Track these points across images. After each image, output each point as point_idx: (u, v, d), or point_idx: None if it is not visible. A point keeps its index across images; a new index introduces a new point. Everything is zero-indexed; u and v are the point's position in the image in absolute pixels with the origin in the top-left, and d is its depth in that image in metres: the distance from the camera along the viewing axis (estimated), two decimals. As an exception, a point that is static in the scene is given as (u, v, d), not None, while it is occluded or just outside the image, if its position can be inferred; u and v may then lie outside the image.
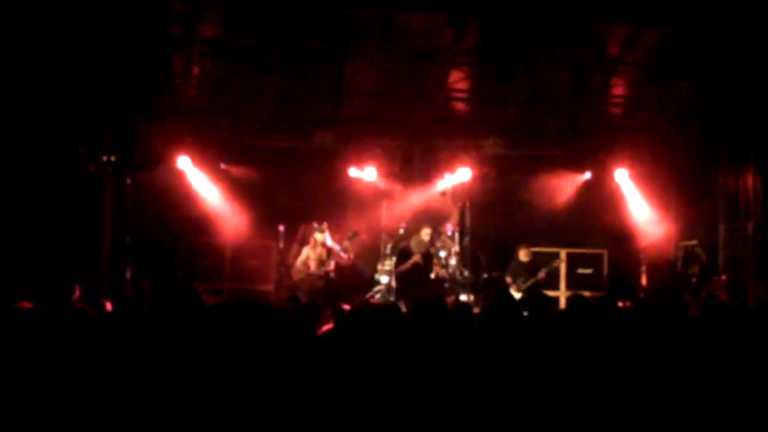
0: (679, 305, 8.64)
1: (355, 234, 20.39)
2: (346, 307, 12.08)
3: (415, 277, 19.87)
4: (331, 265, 19.83)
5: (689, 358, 7.46)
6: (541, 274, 20.12)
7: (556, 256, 21.00)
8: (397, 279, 19.97)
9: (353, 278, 20.67)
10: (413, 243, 20.14)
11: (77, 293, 12.87)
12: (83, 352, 6.24)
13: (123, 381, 5.87)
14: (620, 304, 16.56)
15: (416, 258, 19.81)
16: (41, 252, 16.84)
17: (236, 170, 21.34)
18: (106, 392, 5.78)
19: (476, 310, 9.82)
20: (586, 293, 19.90)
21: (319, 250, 19.77)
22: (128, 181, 18.96)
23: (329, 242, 19.90)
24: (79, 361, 6.09)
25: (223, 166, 21.14)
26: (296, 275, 19.85)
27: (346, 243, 20.12)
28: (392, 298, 19.44)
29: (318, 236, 19.78)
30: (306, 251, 19.87)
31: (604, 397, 6.90)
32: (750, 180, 19.74)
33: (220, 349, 6.51)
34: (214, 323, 6.71)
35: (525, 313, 9.00)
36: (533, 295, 12.28)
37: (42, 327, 6.49)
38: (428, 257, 20.08)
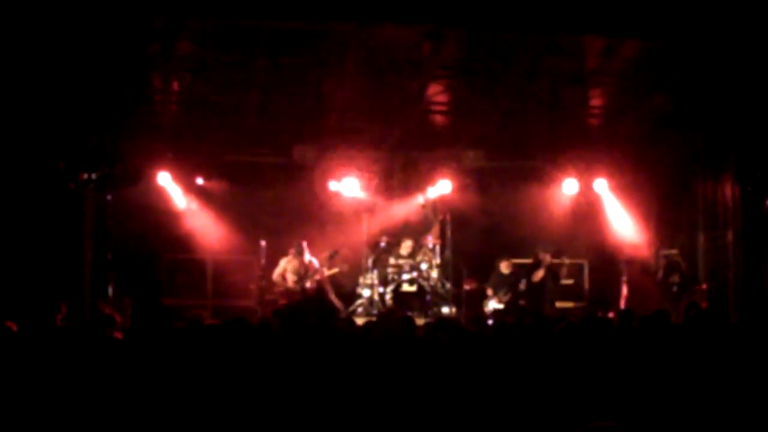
0: (662, 317, 8.72)
1: (336, 253, 20.40)
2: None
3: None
4: (308, 279, 19.81)
5: (674, 366, 7.52)
6: (522, 286, 20.14)
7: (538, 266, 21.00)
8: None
9: (332, 292, 20.67)
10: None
11: (63, 312, 12.80)
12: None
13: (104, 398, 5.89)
14: (600, 314, 16.74)
15: None
16: (23, 270, 16.82)
17: (217, 186, 21.31)
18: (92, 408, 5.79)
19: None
20: (568, 304, 20.10)
21: (296, 263, 19.78)
22: (109, 198, 18.92)
23: (307, 257, 19.90)
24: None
25: (203, 182, 21.10)
26: (276, 288, 19.86)
27: (326, 262, 20.14)
28: (374, 312, 19.46)
29: (296, 250, 19.80)
30: (283, 263, 19.88)
31: (590, 406, 6.94)
32: (728, 189, 19.85)
33: (193, 370, 6.56)
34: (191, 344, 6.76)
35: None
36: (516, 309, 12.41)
37: (28, 347, 6.51)
38: None
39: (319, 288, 20.11)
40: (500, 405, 7.02)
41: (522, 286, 20.14)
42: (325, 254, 20.35)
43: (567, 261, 20.49)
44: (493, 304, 19.92)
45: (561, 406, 7.10)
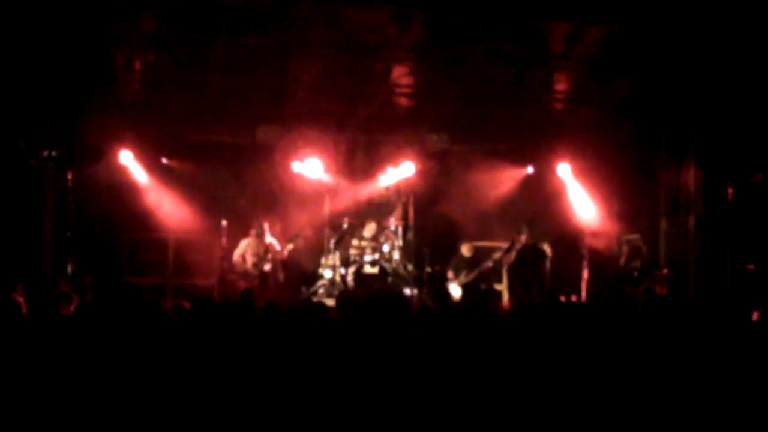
0: (628, 300, 8.76)
1: (297, 236, 20.36)
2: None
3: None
4: (267, 266, 19.75)
5: (634, 350, 7.56)
6: (486, 265, 20.13)
7: (499, 250, 20.98)
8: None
9: (292, 274, 20.66)
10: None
11: (20, 290, 12.76)
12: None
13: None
14: (563, 298, 16.80)
15: None
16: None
17: (179, 165, 21.20)
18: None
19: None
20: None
21: (256, 244, 19.75)
22: (69, 175, 18.79)
23: (268, 238, 19.87)
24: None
25: (165, 160, 21.00)
26: (237, 268, 19.82)
27: (288, 245, 20.11)
28: (335, 293, 19.44)
29: (256, 232, 19.77)
30: (243, 245, 19.84)
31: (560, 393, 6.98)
32: (690, 175, 19.97)
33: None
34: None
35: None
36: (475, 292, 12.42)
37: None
38: None
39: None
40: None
41: (486, 265, 20.12)
42: (286, 238, 20.30)
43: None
44: (453, 287, 19.95)
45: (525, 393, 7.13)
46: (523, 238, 19.94)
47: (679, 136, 20.35)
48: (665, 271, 19.85)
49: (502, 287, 21.20)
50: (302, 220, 21.10)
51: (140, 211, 20.72)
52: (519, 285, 19.61)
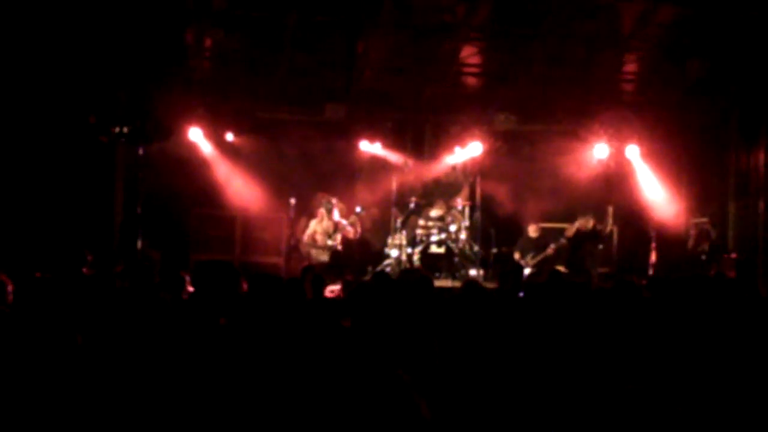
0: (700, 283, 8.70)
1: (363, 209, 20.43)
2: (335, 288, 12.16)
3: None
4: (338, 239, 19.93)
5: (702, 334, 7.50)
6: (550, 250, 20.10)
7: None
8: None
9: (361, 252, 20.72)
10: None
11: (89, 261, 12.88)
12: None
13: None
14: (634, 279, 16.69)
15: None
16: (54, 222, 16.95)
17: (247, 142, 21.28)
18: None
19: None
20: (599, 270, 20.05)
21: (325, 223, 19.91)
22: (140, 152, 18.96)
23: (336, 216, 19.98)
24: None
25: (233, 138, 21.08)
26: (304, 248, 19.96)
27: (353, 218, 20.20)
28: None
29: (325, 210, 19.90)
30: (313, 224, 20.00)
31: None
32: (761, 158, 19.75)
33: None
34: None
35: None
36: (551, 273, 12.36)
37: (57, 296, 6.52)
38: None
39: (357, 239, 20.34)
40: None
41: (550, 250, 20.10)
42: (351, 212, 20.41)
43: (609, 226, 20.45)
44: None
45: (590, 369, 7.11)
46: (590, 222, 19.93)
47: (750, 119, 20.14)
48: (734, 255, 19.66)
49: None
50: (369, 199, 21.17)
51: (208, 187, 20.83)
52: (571, 267, 19.50)
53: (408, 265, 20.09)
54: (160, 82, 19.21)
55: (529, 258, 20.03)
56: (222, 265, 6.79)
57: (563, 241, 20.37)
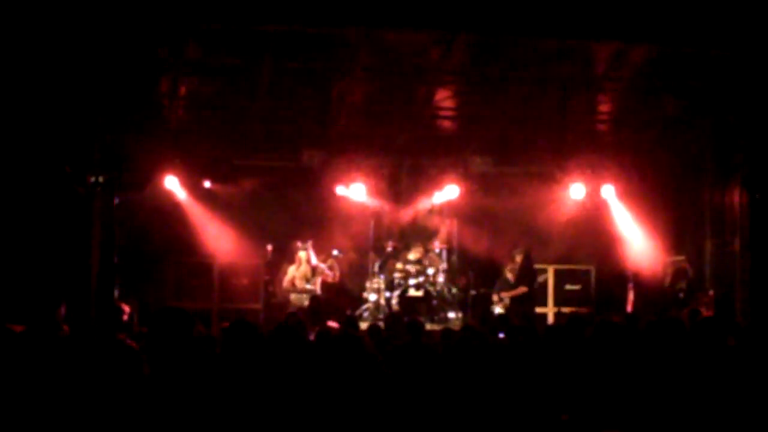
0: (677, 323, 8.72)
1: (340, 251, 20.44)
2: (333, 324, 12.10)
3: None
4: (317, 283, 19.92)
5: (678, 371, 7.52)
6: (522, 288, 20.02)
7: (544, 272, 21.04)
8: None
9: (340, 297, 20.69)
10: None
11: (62, 312, 12.83)
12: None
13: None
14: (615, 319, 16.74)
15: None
16: (29, 272, 16.84)
17: (224, 189, 21.25)
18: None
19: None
20: (574, 309, 20.06)
21: (303, 268, 19.91)
22: (116, 201, 18.91)
23: (313, 260, 19.98)
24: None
25: (210, 185, 21.05)
26: (283, 294, 19.94)
27: (330, 261, 20.21)
28: (381, 316, 19.46)
29: (302, 254, 19.91)
30: (291, 270, 19.97)
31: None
32: (736, 196, 19.80)
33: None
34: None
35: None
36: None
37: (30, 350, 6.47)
38: None
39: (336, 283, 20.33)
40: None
41: (522, 288, 20.06)
42: (330, 258, 20.43)
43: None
44: (498, 310, 19.88)
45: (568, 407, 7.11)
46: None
47: (725, 157, 20.22)
48: (711, 293, 19.72)
49: (547, 309, 21.21)
50: (347, 244, 21.17)
51: (186, 235, 20.78)
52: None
53: (387, 310, 20.10)
54: (136, 131, 19.19)
55: (506, 300, 19.96)
56: (175, 311, 6.78)
57: (540, 280, 20.41)
